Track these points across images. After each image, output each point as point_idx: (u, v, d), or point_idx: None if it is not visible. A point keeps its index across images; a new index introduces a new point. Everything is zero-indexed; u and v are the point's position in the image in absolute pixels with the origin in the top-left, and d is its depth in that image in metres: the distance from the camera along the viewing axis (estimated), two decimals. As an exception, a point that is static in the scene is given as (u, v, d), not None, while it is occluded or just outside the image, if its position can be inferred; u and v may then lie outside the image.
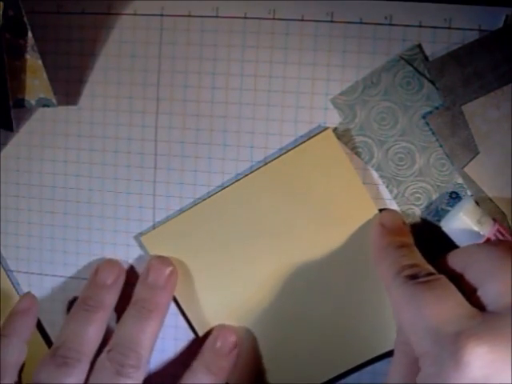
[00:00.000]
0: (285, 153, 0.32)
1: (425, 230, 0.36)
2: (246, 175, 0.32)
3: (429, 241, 0.35)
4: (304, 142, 0.32)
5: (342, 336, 0.33)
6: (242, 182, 0.32)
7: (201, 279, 0.36)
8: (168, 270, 0.35)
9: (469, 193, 0.36)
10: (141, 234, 0.38)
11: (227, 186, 0.35)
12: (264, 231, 0.32)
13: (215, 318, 0.36)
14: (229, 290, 0.35)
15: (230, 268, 0.34)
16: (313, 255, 0.32)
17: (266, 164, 0.31)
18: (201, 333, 0.37)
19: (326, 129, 0.30)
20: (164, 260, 0.36)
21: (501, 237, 0.33)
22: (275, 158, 0.32)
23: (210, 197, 0.34)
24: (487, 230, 0.33)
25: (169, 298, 0.36)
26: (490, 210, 0.35)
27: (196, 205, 0.35)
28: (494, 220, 0.34)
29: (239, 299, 0.34)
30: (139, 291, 0.36)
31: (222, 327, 0.36)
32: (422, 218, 0.36)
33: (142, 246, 0.39)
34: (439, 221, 0.35)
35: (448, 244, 0.34)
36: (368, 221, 0.32)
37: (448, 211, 0.35)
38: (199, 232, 0.35)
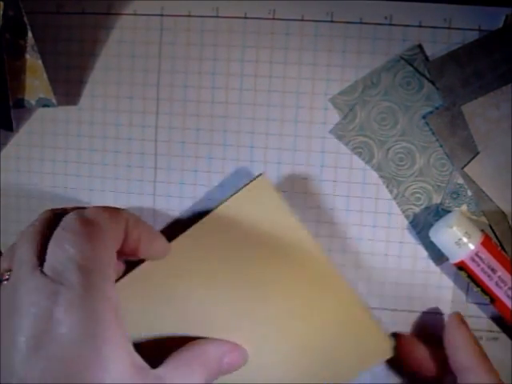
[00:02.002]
0: (222, 202, 0.31)
1: (424, 231, 0.36)
2: (187, 230, 0.31)
3: (428, 240, 0.35)
4: (240, 189, 0.32)
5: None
6: (184, 236, 0.31)
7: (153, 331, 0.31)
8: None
9: (469, 193, 0.36)
10: None
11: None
12: (212, 284, 0.30)
13: None
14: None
15: (181, 325, 0.31)
16: (263, 301, 0.31)
17: (206, 215, 0.31)
18: None
19: (259, 175, 0.30)
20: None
21: (486, 250, 0.33)
22: (213, 209, 0.31)
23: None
24: (475, 241, 0.33)
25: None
26: (490, 210, 0.35)
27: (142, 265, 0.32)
28: (482, 231, 0.34)
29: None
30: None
31: (235, 345, 0.31)
32: (422, 218, 0.36)
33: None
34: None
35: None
36: (313, 262, 0.32)
37: (436, 222, 0.35)
38: (149, 291, 0.31)
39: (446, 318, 0.36)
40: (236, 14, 0.37)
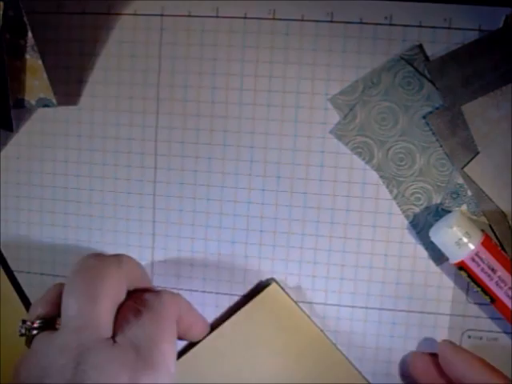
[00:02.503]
0: (235, 312, 0.32)
1: (424, 231, 0.36)
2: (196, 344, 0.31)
3: (428, 240, 0.35)
4: (253, 299, 0.33)
5: None
6: (197, 348, 0.31)
7: None
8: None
9: (469, 193, 0.36)
10: None
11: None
12: None
13: None
14: None
15: None
16: None
17: (216, 330, 0.32)
18: None
19: (270, 283, 0.32)
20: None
21: (486, 250, 0.33)
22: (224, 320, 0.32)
23: None
24: (475, 241, 0.33)
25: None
26: (490, 210, 0.35)
27: None
28: (482, 231, 0.34)
29: None
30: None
31: None
32: (422, 218, 0.36)
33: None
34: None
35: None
36: (333, 366, 0.33)
37: (436, 222, 0.35)
38: None
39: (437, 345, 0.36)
40: (236, 13, 0.37)
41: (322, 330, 0.31)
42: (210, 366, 0.32)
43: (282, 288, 0.31)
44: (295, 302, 0.32)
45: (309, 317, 0.31)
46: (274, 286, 0.32)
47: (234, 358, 0.31)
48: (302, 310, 0.32)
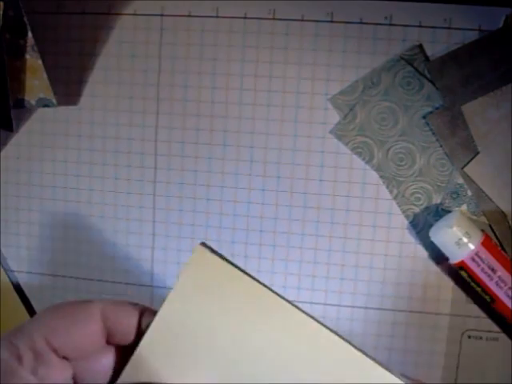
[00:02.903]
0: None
1: (424, 231, 0.36)
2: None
3: (428, 240, 0.35)
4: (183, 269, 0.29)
5: None
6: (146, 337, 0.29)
7: None
8: None
9: (469, 193, 0.36)
10: None
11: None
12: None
13: None
14: None
15: None
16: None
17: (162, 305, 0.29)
18: None
19: (197, 246, 0.28)
20: None
21: (486, 250, 0.33)
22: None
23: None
24: (475, 241, 0.33)
25: None
26: (490, 210, 0.35)
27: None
28: (482, 231, 0.34)
29: None
30: None
31: None
32: (422, 218, 0.36)
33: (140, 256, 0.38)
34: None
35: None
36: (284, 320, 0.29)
37: (436, 222, 0.35)
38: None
39: None
40: (236, 14, 0.37)
41: (266, 286, 0.28)
42: (160, 360, 0.29)
43: (210, 249, 0.28)
44: (228, 261, 0.29)
45: (247, 273, 0.28)
46: (199, 249, 0.27)
47: (183, 341, 0.29)
48: (238, 267, 0.29)
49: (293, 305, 0.27)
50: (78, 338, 0.23)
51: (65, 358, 0.23)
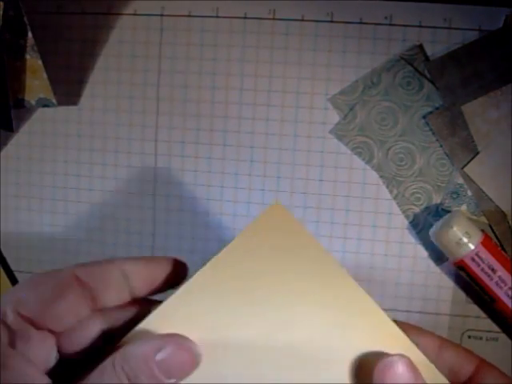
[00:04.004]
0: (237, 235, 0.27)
1: (424, 231, 0.36)
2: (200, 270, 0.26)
3: (428, 240, 0.35)
4: (254, 220, 0.28)
5: None
6: (201, 273, 0.26)
7: None
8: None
9: (469, 193, 0.36)
10: None
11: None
12: (235, 321, 0.26)
13: None
14: None
15: None
16: (289, 329, 0.28)
17: (218, 253, 0.27)
18: None
19: (274, 201, 0.27)
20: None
21: (486, 250, 0.33)
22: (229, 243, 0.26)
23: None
24: (475, 241, 0.33)
25: None
26: (490, 210, 0.35)
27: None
28: (482, 231, 0.34)
29: None
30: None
31: (176, 338, 0.23)
32: (422, 218, 0.36)
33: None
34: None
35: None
36: (342, 287, 0.28)
37: (436, 222, 0.35)
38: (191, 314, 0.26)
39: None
40: (236, 14, 0.37)
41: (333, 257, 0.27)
42: (208, 299, 0.26)
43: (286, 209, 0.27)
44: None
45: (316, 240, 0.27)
46: (277, 205, 0.27)
47: (234, 286, 0.26)
48: (309, 233, 0.28)
49: (355, 283, 0.26)
50: (53, 308, 0.22)
51: (48, 329, 0.22)
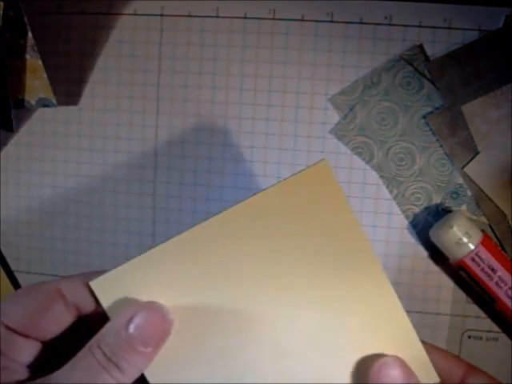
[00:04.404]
0: (275, 184, 0.26)
1: (424, 231, 0.36)
2: (230, 208, 0.25)
3: (428, 240, 0.35)
4: (298, 172, 0.27)
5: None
6: (224, 214, 0.25)
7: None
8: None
9: (469, 193, 0.36)
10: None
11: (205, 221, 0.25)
12: (249, 272, 0.25)
13: None
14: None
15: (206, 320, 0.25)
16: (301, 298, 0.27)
17: (254, 195, 0.26)
18: None
19: (322, 160, 0.26)
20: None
21: (486, 250, 0.33)
22: (263, 189, 0.25)
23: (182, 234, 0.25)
24: (475, 241, 0.33)
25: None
26: (490, 210, 0.35)
27: (166, 242, 0.25)
28: (482, 231, 0.34)
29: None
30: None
31: (144, 304, 0.23)
32: (422, 218, 0.36)
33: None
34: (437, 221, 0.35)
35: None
36: (358, 260, 0.27)
37: (436, 222, 0.35)
38: (170, 275, 0.25)
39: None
40: (236, 14, 0.37)
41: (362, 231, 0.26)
42: (230, 238, 0.25)
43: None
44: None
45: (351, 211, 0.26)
46: (325, 162, 0.25)
47: (259, 232, 0.25)
48: (346, 200, 0.27)
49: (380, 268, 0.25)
50: (38, 320, 0.23)
51: (33, 337, 0.23)
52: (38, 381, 0.22)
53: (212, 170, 0.38)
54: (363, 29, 0.36)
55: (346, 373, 0.25)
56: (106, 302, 0.23)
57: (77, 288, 0.24)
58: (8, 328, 0.23)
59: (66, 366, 0.22)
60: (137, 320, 0.22)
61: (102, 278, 0.24)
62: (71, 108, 0.39)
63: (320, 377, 0.25)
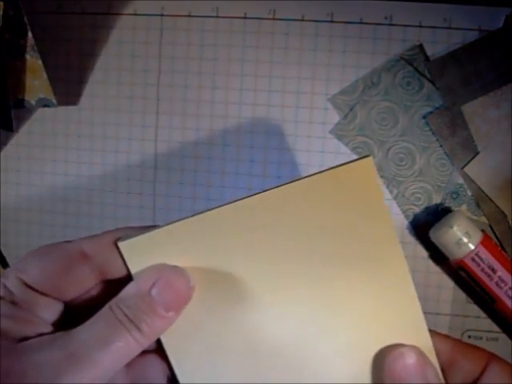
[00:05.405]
0: (315, 174, 0.25)
1: (424, 231, 0.36)
2: (267, 190, 0.25)
3: (428, 240, 0.35)
4: (340, 165, 0.27)
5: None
6: (258, 197, 0.25)
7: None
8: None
9: (469, 193, 0.36)
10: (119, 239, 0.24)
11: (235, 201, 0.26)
12: (275, 259, 0.25)
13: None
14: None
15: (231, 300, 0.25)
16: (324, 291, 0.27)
17: (292, 181, 0.26)
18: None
19: (366, 156, 0.26)
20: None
21: (486, 250, 0.33)
22: (302, 178, 0.25)
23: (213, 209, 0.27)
24: (475, 241, 0.33)
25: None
26: (490, 210, 0.35)
27: (197, 214, 0.26)
28: (482, 231, 0.34)
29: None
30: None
31: (167, 268, 0.23)
32: (422, 218, 0.36)
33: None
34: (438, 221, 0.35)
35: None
36: (387, 261, 0.27)
37: (436, 222, 0.35)
38: (196, 248, 0.25)
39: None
40: (236, 14, 0.37)
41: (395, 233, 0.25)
42: (258, 223, 0.25)
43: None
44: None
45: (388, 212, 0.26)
46: (369, 160, 0.25)
47: (288, 221, 0.25)
48: (384, 202, 0.26)
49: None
50: (59, 280, 0.23)
51: (53, 297, 0.23)
52: (59, 334, 0.21)
53: (212, 170, 0.38)
54: (363, 29, 0.36)
55: (361, 366, 0.25)
56: (133, 265, 0.23)
57: (102, 249, 0.24)
58: (27, 285, 0.22)
59: (87, 322, 0.21)
60: (160, 284, 0.22)
61: (132, 240, 0.24)
62: (71, 108, 0.39)
63: (333, 370, 0.25)
